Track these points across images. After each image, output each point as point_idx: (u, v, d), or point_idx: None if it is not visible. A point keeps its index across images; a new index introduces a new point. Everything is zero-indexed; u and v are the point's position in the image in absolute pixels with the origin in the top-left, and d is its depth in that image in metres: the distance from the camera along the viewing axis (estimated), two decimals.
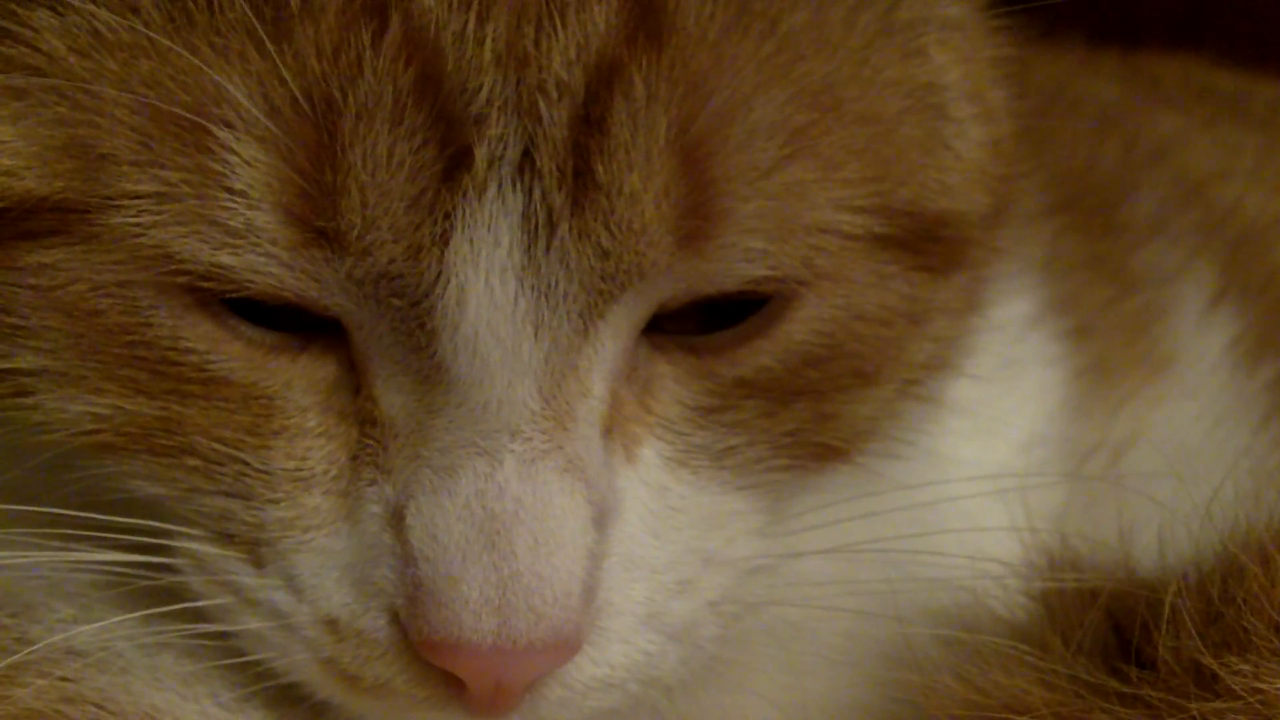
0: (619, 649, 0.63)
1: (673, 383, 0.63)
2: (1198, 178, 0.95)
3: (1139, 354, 0.86)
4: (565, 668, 0.62)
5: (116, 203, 0.58)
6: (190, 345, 0.60)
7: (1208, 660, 0.61)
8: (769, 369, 0.63)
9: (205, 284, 0.58)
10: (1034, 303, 0.83)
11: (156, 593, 0.64)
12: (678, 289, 0.61)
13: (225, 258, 0.58)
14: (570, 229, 0.58)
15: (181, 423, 0.61)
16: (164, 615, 0.64)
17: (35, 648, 0.64)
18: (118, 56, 0.58)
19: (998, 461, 0.78)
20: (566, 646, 0.61)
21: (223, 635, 0.64)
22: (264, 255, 0.58)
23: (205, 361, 0.60)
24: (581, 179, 0.58)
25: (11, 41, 0.59)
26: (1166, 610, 0.64)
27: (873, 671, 0.71)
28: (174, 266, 0.58)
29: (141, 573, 0.63)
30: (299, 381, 0.61)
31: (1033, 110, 0.72)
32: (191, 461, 0.61)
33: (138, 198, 0.57)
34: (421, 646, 0.60)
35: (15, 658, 0.64)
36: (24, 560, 0.64)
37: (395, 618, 0.61)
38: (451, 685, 0.61)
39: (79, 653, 0.65)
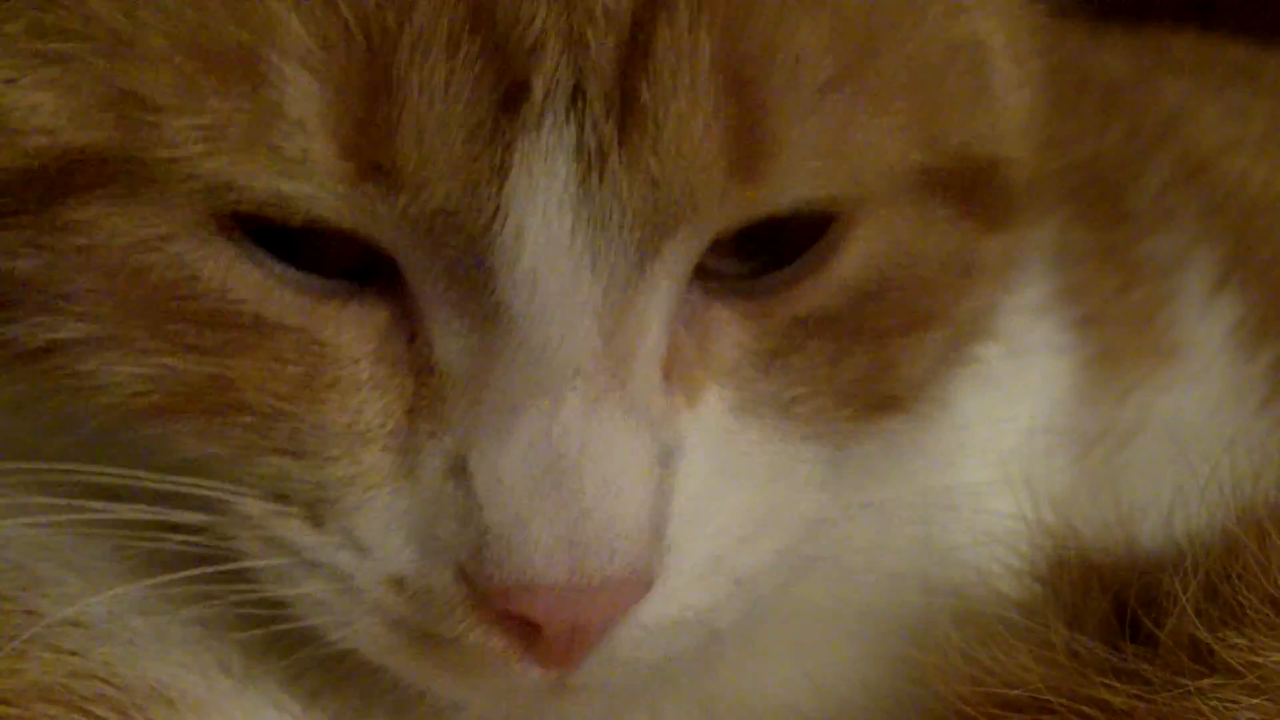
0: (689, 589, 0.62)
1: (730, 327, 0.63)
2: (1204, 152, 0.95)
3: (1146, 342, 0.86)
4: (639, 608, 0.61)
5: (164, 143, 0.57)
6: (239, 295, 0.59)
7: (1204, 636, 0.61)
8: (824, 307, 0.63)
9: (264, 212, 0.58)
10: (1043, 291, 0.83)
11: (186, 559, 0.63)
12: (730, 219, 0.60)
13: (284, 185, 0.57)
14: (620, 158, 0.57)
15: (232, 380, 0.60)
16: (213, 577, 0.63)
17: (44, 623, 0.65)
18: (160, 2, 0.57)
19: (1005, 447, 0.79)
20: (640, 583, 0.60)
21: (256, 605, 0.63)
22: (320, 187, 0.57)
23: (255, 310, 0.60)
24: (629, 107, 0.57)
25: (50, 6, 0.58)
26: (1165, 587, 0.64)
27: (886, 650, 0.72)
28: (230, 197, 0.57)
29: (194, 540, 0.62)
30: (350, 330, 0.61)
31: (1047, 93, 0.73)
32: (244, 419, 0.60)
33: (187, 135, 0.57)
34: (492, 595, 0.59)
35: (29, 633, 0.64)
36: (82, 517, 0.63)
37: (461, 572, 0.60)
38: (524, 635, 0.60)
39: (86, 625, 0.66)
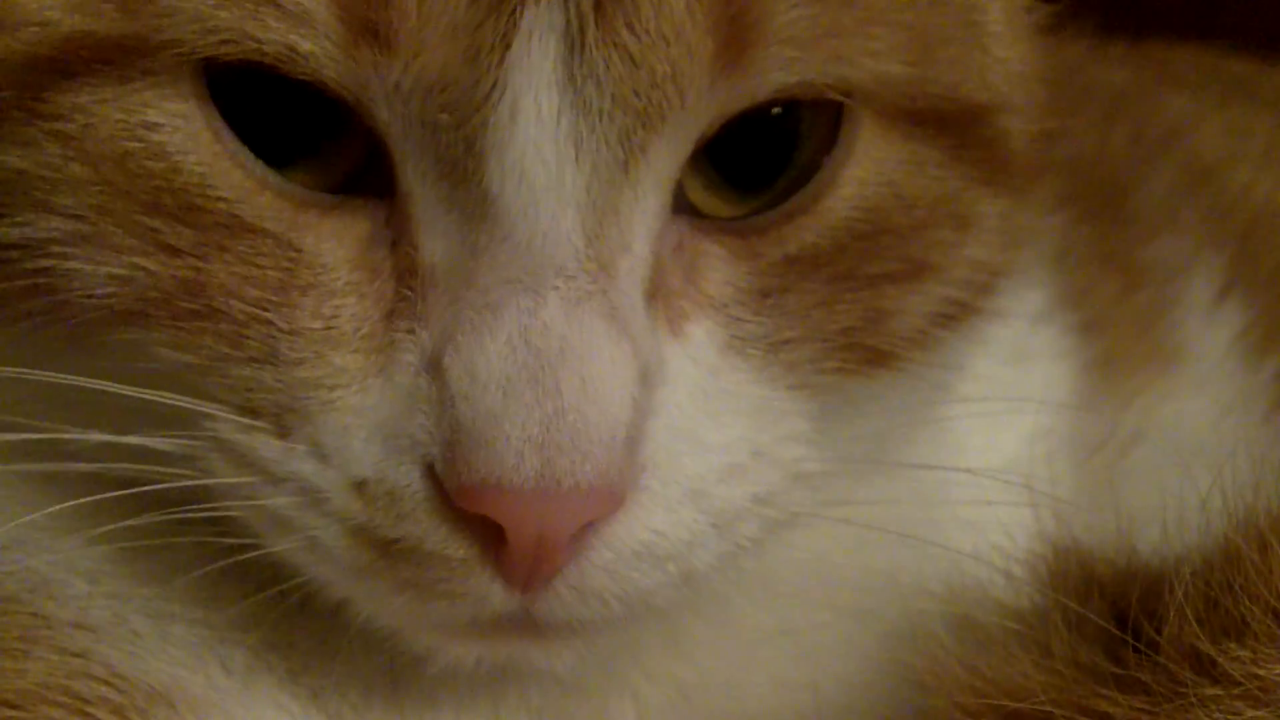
0: (664, 517, 0.61)
1: (720, 263, 0.63)
2: (1207, 162, 0.95)
3: (1148, 348, 0.86)
4: (611, 528, 0.60)
5: (166, 15, 0.57)
6: (219, 193, 0.59)
7: (1206, 646, 0.61)
8: (815, 245, 0.63)
9: (278, 67, 0.57)
10: (1046, 296, 0.83)
11: (154, 500, 0.62)
12: (714, 111, 0.60)
13: (292, 38, 0.57)
14: (597, 35, 0.57)
15: (206, 284, 0.60)
16: (180, 523, 0.62)
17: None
18: None
19: (1006, 452, 0.79)
20: (611, 494, 0.59)
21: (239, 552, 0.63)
22: (320, 47, 0.57)
23: (233, 211, 0.60)
24: None
25: None
26: (1166, 597, 0.64)
27: (875, 647, 0.72)
28: (228, 47, 0.57)
29: (160, 468, 0.62)
30: (329, 237, 0.60)
31: (1048, 99, 0.73)
32: (217, 326, 0.60)
33: (191, 7, 0.57)
34: (458, 494, 0.58)
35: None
36: (48, 438, 0.62)
37: (430, 471, 0.59)
38: (487, 543, 0.59)
39: (91, 627, 0.66)
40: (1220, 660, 0.61)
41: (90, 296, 0.61)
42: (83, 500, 0.63)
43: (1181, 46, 1.10)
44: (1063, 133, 0.84)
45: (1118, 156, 0.93)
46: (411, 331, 0.60)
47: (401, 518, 0.60)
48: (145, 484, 0.62)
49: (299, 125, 0.60)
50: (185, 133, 0.59)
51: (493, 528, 0.59)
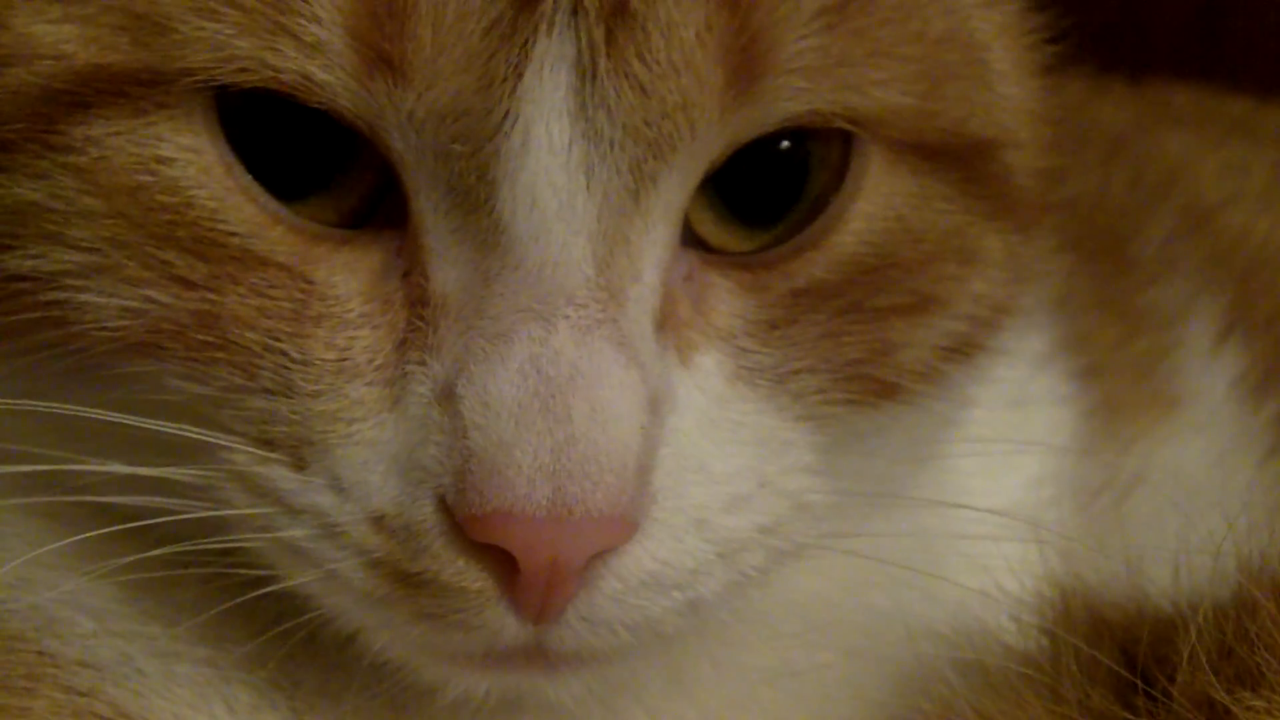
0: (671, 546, 0.61)
1: (729, 295, 0.63)
2: (1206, 204, 0.96)
3: (1148, 393, 0.86)
4: (620, 558, 0.60)
5: (185, 46, 0.57)
6: (231, 229, 0.59)
7: (1221, 696, 0.61)
8: (823, 279, 0.64)
9: (283, 90, 0.58)
10: (1046, 341, 0.83)
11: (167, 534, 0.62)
12: (723, 141, 0.60)
13: (308, 67, 0.57)
14: (608, 65, 0.58)
15: (219, 315, 0.60)
16: (189, 559, 0.62)
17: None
18: None
19: (1008, 497, 0.79)
20: (622, 522, 0.59)
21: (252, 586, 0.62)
22: (334, 76, 0.57)
23: (245, 244, 0.60)
24: (620, 13, 0.58)
25: None
26: (1179, 644, 0.64)
27: (887, 693, 0.71)
28: (245, 75, 0.57)
29: (176, 499, 0.61)
30: (342, 269, 0.60)
31: (1049, 139, 0.73)
32: (231, 357, 0.60)
33: (211, 31, 0.57)
34: (470, 523, 0.58)
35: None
36: (53, 471, 0.62)
37: (442, 503, 0.59)
38: (502, 575, 0.59)
39: (96, 666, 0.66)
40: (1235, 709, 0.61)
41: (103, 329, 0.60)
42: (89, 535, 0.63)
43: (1181, 85, 1.10)
44: (1064, 173, 0.85)
45: (1117, 202, 0.94)
46: (423, 362, 0.60)
47: (419, 551, 0.60)
48: (155, 516, 0.62)
49: (313, 158, 0.60)
50: (198, 166, 0.59)
51: (506, 558, 0.59)
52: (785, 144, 0.62)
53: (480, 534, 0.59)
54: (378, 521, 0.60)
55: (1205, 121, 1.05)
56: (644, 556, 0.61)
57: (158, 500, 0.61)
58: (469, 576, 0.60)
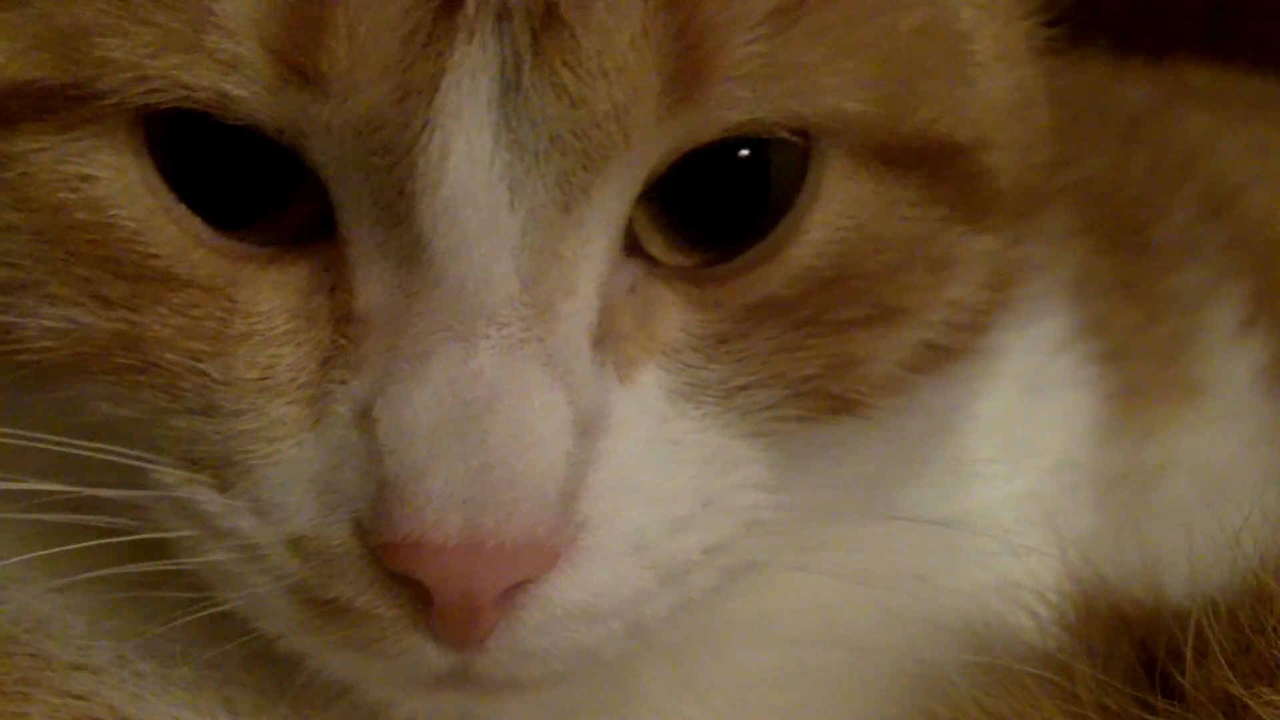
0: (603, 575, 0.59)
1: (675, 308, 0.61)
2: (1228, 187, 0.94)
3: (1171, 379, 0.85)
4: (543, 588, 0.58)
5: (103, 66, 0.56)
6: (151, 249, 0.58)
7: (1237, 690, 0.60)
8: (777, 294, 0.61)
9: (199, 108, 0.56)
10: (1065, 324, 0.82)
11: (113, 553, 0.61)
12: (663, 150, 0.58)
13: (225, 84, 0.55)
14: (534, 74, 0.55)
15: (141, 336, 0.59)
16: (129, 552, 0.61)
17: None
18: None
19: (1027, 483, 0.77)
20: (539, 553, 0.57)
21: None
22: (251, 91, 0.55)
23: (167, 265, 0.58)
24: (549, 19, 0.55)
25: None
26: (1195, 639, 0.63)
27: (899, 693, 0.70)
28: (159, 95, 0.56)
29: (118, 519, 0.61)
30: (268, 286, 0.59)
31: (1062, 123, 0.71)
32: (153, 379, 0.59)
33: (128, 50, 0.56)
34: (382, 551, 0.57)
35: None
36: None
37: (359, 527, 0.57)
38: (418, 604, 0.58)
39: (93, 669, 0.65)
40: (1252, 704, 0.60)
41: (27, 349, 0.59)
42: (58, 549, 0.62)
43: (1202, 65, 1.09)
44: (1078, 156, 0.84)
45: (1138, 185, 0.92)
46: (344, 381, 0.59)
47: (334, 576, 0.58)
48: (116, 535, 0.61)
49: (250, 174, 0.59)
50: (120, 186, 0.58)
51: (421, 586, 0.57)
52: (744, 151, 0.60)
53: (392, 562, 0.57)
54: (296, 544, 0.59)
55: (1226, 102, 1.04)
56: (570, 586, 0.59)
57: (104, 520, 0.61)
58: (385, 604, 0.58)
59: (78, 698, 0.64)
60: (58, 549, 0.62)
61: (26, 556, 0.63)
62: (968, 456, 0.75)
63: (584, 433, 0.58)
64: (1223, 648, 0.62)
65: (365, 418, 0.58)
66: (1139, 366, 0.84)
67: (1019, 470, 0.77)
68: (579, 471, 0.58)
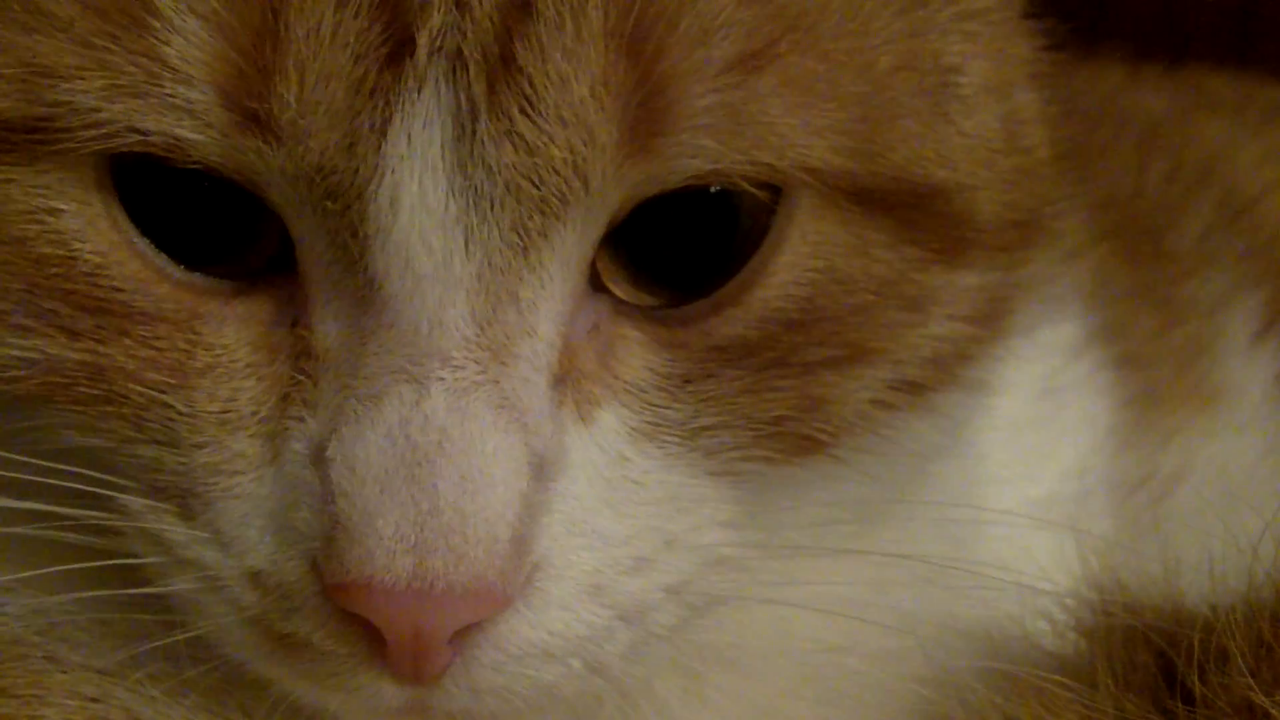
0: (558, 615, 0.59)
1: (640, 347, 0.60)
2: (1246, 195, 0.93)
3: (1188, 386, 0.85)
4: (498, 628, 0.58)
5: (65, 106, 0.56)
6: (116, 284, 0.59)
7: (1259, 698, 0.60)
8: (744, 336, 0.61)
9: (156, 152, 0.56)
10: (1081, 329, 0.82)
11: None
12: (623, 198, 0.58)
13: (179, 130, 0.56)
14: (489, 119, 0.55)
15: (106, 368, 0.59)
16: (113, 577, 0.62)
17: None
18: None
19: (1044, 489, 0.77)
20: (490, 596, 0.57)
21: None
22: (207, 135, 0.56)
23: (129, 299, 0.59)
24: (505, 68, 0.55)
25: None
26: (1215, 646, 0.62)
27: (915, 700, 0.69)
28: (115, 140, 0.56)
29: (89, 538, 0.61)
30: (233, 320, 0.59)
31: (1079, 130, 0.71)
32: (118, 410, 0.59)
33: (88, 92, 0.56)
34: (334, 591, 0.57)
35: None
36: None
37: (314, 564, 0.58)
38: (372, 642, 0.58)
39: (106, 671, 0.65)
40: (1273, 712, 0.60)
41: None
42: (53, 570, 0.63)
43: (1218, 72, 1.08)
44: (1095, 163, 0.83)
45: (1154, 191, 0.92)
46: (302, 419, 0.59)
47: (292, 611, 0.59)
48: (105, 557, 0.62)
49: (216, 208, 0.59)
50: (85, 220, 0.58)
51: (374, 625, 0.58)
52: (712, 189, 0.59)
53: (344, 602, 0.57)
54: (255, 578, 0.59)
55: (1243, 109, 1.03)
56: (525, 626, 0.59)
57: (85, 539, 0.61)
58: (339, 641, 0.59)
59: (93, 700, 0.64)
60: (36, 570, 0.63)
61: (38, 572, 0.64)
62: (981, 461, 0.74)
63: (540, 474, 0.58)
64: (1243, 655, 0.62)
65: (319, 457, 0.58)
66: (1156, 372, 0.84)
67: (1035, 475, 0.77)
68: (534, 513, 0.58)
